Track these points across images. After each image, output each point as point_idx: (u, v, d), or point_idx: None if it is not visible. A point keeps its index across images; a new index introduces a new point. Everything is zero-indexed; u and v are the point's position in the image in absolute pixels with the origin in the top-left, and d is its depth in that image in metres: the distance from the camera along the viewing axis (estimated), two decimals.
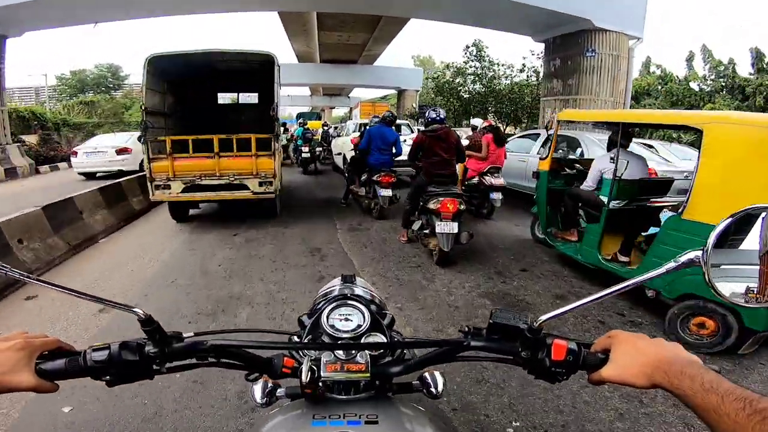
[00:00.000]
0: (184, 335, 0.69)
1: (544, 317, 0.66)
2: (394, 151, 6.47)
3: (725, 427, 0.47)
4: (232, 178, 5.80)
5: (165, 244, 5.61)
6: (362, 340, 0.77)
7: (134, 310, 0.64)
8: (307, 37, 23.61)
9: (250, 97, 8.27)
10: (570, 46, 15.28)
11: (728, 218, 0.62)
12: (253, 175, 5.80)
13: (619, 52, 15.00)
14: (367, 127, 6.95)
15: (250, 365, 0.74)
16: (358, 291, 0.96)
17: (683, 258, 0.62)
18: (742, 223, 0.75)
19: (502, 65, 23.39)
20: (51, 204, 5.19)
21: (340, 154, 10.73)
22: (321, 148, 13.62)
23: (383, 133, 6.40)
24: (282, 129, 13.25)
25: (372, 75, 29.67)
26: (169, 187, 5.77)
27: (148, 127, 5.65)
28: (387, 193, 6.21)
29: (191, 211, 6.83)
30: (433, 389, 0.79)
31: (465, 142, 7.84)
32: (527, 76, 20.87)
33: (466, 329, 0.74)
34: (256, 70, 6.61)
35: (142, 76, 5.63)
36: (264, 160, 5.79)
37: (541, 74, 19.71)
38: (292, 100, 43.11)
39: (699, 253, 0.61)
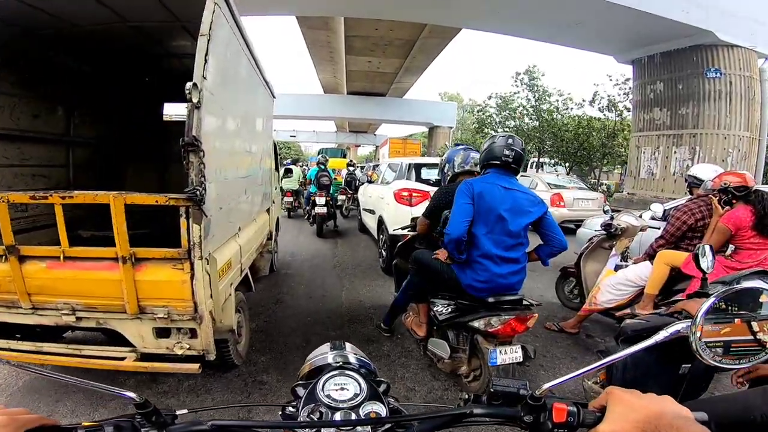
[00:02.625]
0: (178, 413, 0.69)
1: (546, 386, 0.70)
2: (523, 241, 2.43)
3: None
4: (70, 315, 1.93)
5: None
6: (360, 409, 0.77)
7: (127, 395, 0.65)
8: (333, 65, 21.11)
9: (180, 112, 4.41)
10: (679, 65, 11.30)
11: (713, 297, 0.71)
12: (130, 312, 1.92)
13: (752, 72, 11.00)
14: (449, 165, 2.94)
15: None
16: (350, 358, 0.97)
17: (671, 329, 0.70)
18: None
19: (561, 95, 19.73)
20: None
21: (372, 212, 6.69)
22: (344, 197, 9.78)
23: (502, 196, 2.30)
24: (284, 171, 9.62)
25: (401, 109, 27.12)
26: None
27: None
28: (513, 356, 2.26)
29: None
30: None
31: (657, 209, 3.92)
32: (600, 107, 16.90)
33: (467, 397, 0.78)
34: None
35: None
36: (161, 274, 1.90)
37: (621, 104, 16.27)
38: (317, 135, 41.10)
39: (685, 325, 0.70)
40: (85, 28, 3.05)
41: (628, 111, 15.62)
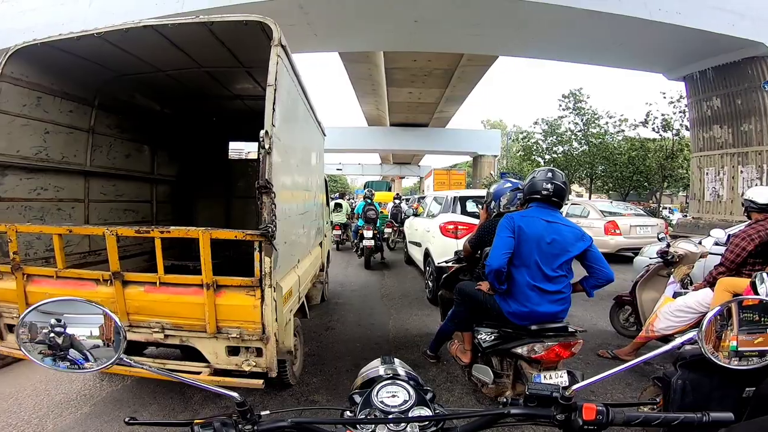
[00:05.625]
0: (262, 413, 0.83)
1: (575, 386, 0.80)
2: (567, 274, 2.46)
3: None
4: (160, 333, 2.26)
5: None
6: (409, 413, 0.85)
7: (231, 394, 0.80)
8: (376, 97, 22.02)
9: (241, 148, 4.86)
10: (735, 79, 10.58)
11: (718, 307, 0.83)
12: (209, 332, 2.22)
13: None
14: (495, 204, 3.05)
15: None
16: (399, 371, 1.08)
17: (686, 337, 0.84)
18: None
19: (611, 117, 19.12)
20: None
21: (419, 245, 6.87)
22: (390, 230, 10.02)
23: (544, 229, 2.37)
24: (334, 205, 10.05)
25: (444, 139, 27.32)
26: None
27: None
28: (558, 381, 2.27)
29: None
30: None
31: None
32: (654, 128, 16.17)
33: (504, 400, 0.86)
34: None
35: None
36: (236, 299, 2.21)
37: (682, 121, 15.32)
38: (362, 168, 42.23)
39: (696, 332, 0.80)
40: (166, 72, 3.52)
41: (688, 130, 14.82)
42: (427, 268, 5.97)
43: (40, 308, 0.82)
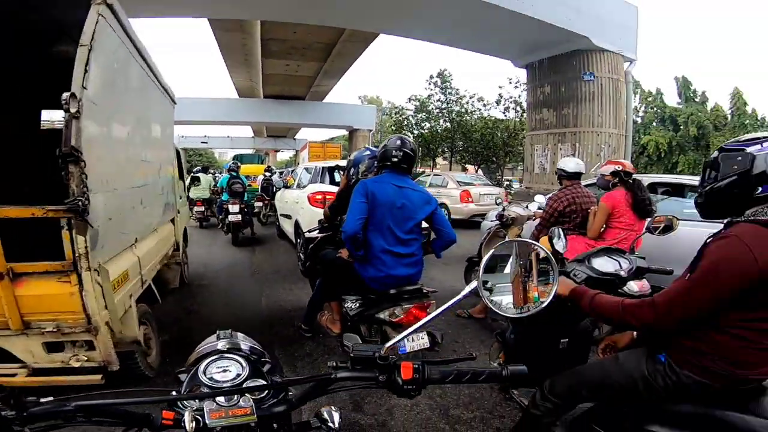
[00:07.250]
0: (43, 400, 0.68)
1: (387, 345, 0.81)
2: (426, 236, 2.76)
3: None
4: None
5: None
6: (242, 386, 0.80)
7: None
8: (249, 68, 20.23)
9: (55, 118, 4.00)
10: (562, 69, 12.82)
11: (489, 253, 0.92)
12: (13, 328, 1.86)
13: (618, 75, 12.87)
14: (354, 170, 3.12)
15: (126, 421, 0.73)
16: (239, 345, 1.00)
17: (469, 287, 0.87)
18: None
19: (471, 97, 21.25)
20: None
21: (289, 217, 6.74)
22: (261, 204, 9.58)
23: (395, 194, 2.53)
24: (191, 179, 9.15)
25: (321, 113, 26.94)
26: None
27: None
28: (420, 342, 2.42)
29: None
30: (330, 424, 0.90)
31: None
32: (504, 108, 18.56)
33: (334, 364, 0.81)
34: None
35: None
36: (44, 288, 1.86)
37: (524, 104, 17.93)
38: (232, 141, 39.13)
39: (475, 284, 0.87)
40: None
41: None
42: (298, 240, 5.93)
43: None
